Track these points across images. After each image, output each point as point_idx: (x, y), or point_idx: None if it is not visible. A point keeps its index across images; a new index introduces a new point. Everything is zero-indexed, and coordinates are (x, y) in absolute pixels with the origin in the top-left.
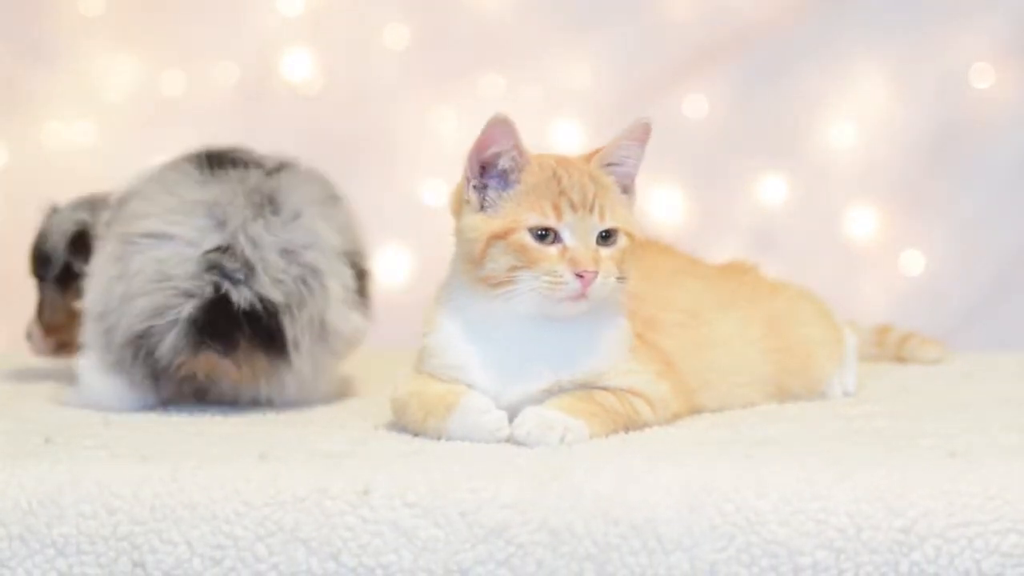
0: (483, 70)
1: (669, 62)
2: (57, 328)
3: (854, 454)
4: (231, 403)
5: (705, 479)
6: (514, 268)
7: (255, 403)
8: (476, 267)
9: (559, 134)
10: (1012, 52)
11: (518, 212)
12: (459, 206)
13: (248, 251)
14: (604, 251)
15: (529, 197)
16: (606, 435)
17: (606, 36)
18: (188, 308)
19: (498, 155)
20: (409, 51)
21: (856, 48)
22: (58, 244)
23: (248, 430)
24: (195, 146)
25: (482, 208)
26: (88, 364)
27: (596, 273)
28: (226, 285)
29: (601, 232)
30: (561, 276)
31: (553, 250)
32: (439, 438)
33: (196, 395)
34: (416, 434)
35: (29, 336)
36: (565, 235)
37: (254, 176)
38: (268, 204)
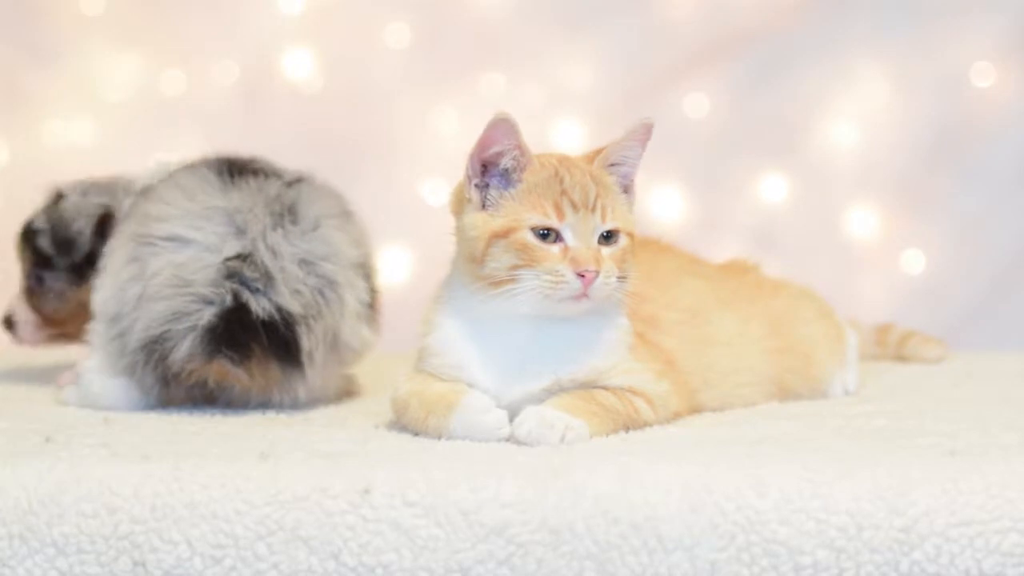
0: (484, 69)
1: (670, 61)
2: (62, 320)
3: (855, 453)
4: (237, 406)
5: (706, 478)
6: (515, 267)
7: (260, 406)
8: (477, 266)
9: (559, 133)
10: (1013, 51)
11: (520, 211)
12: (460, 205)
13: (267, 260)
14: (605, 251)
15: (531, 196)
16: (607, 434)
17: (607, 35)
18: (207, 315)
19: (500, 154)
20: (410, 50)
21: (857, 47)
22: (84, 228)
23: (248, 429)
24: (214, 152)
25: (483, 207)
26: (94, 366)
27: (597, 273)
28: (246, 294)
29: (602, 232)
30: (563, 276)
31: (555, 249)
32: (440, 437)
33: (204, 400)
34: (417, 433)
35: (9, 324)
36: (567, 235)
37: (273, 186)
38: (287, 214)
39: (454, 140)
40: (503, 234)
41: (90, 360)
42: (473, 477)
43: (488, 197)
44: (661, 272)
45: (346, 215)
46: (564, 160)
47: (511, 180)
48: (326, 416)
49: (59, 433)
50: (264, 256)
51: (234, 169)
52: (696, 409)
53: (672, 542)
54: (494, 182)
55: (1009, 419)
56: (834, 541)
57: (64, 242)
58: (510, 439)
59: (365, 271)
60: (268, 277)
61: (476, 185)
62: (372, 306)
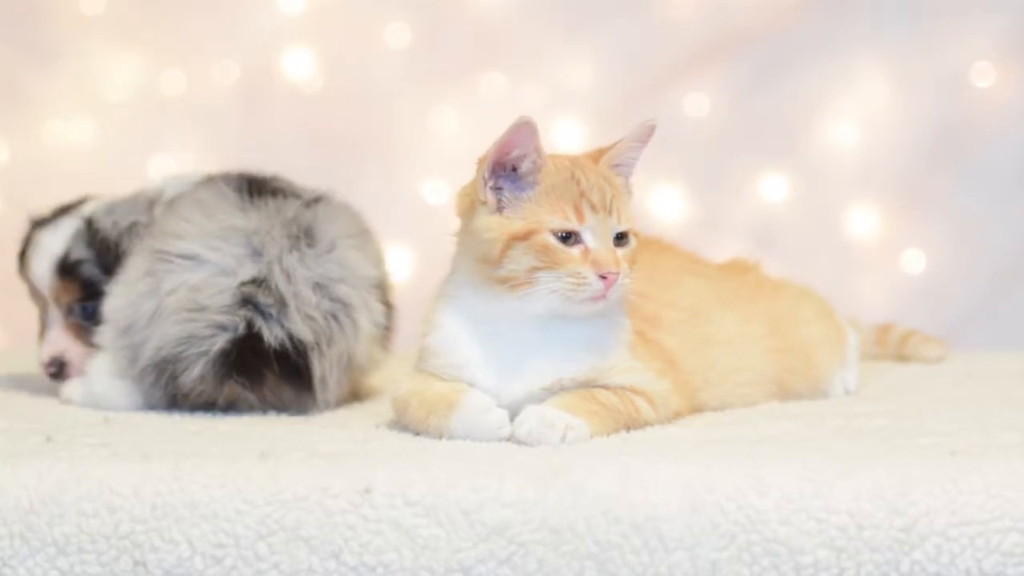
0: (484, 69)
1: (670, 61)
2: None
3: (855, 453)
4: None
5: (706, 478)
6: (535, 269)
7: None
8: (493, 267)
9: (560, 133)
10: (1013, 51)
11: (539, 214)
12: (469, 207)
13: (282, 285)
14: (619, 251)
15: (549, 198)
16: (607, 434)
17: (607, 35)
18: (220, 341)
19: (521, 157)
20: (410, 50)
21: (857, 47)
22: (129, 247)
23: (249, 429)
24: (236, 170)
25: (499, 209)
26: (102, 368)
27: (618, 274)
28: (259, 322)
29: (616, 233)
30: (585, 278)
31: (575, 251)
32: (441, 437)
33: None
34: (417, 433)
35: (59, 367)
36: (586, 236)
37: (292, 207)
38: (304, 236)
39: (454, 140)
40: (523, 237)
41: (97, 361)
42: (474, 477)
43: (502, 199)
44: (662, 271)
45: (363, 234)
46: (576, 161)
47: (527, 182)
48: (326, 416)
49: (59, 433)
50: (279, 280)
51: (253, 188)
52: (697, 408)
53: (673, 542)
54: (506, 184)
55: (1009, 419)
56: (835, 541)
57: (114, 264)
58: (511, 439)
59: (381, 290)
60: (282, 303)
61: (491, 187)
62: (387, 327)
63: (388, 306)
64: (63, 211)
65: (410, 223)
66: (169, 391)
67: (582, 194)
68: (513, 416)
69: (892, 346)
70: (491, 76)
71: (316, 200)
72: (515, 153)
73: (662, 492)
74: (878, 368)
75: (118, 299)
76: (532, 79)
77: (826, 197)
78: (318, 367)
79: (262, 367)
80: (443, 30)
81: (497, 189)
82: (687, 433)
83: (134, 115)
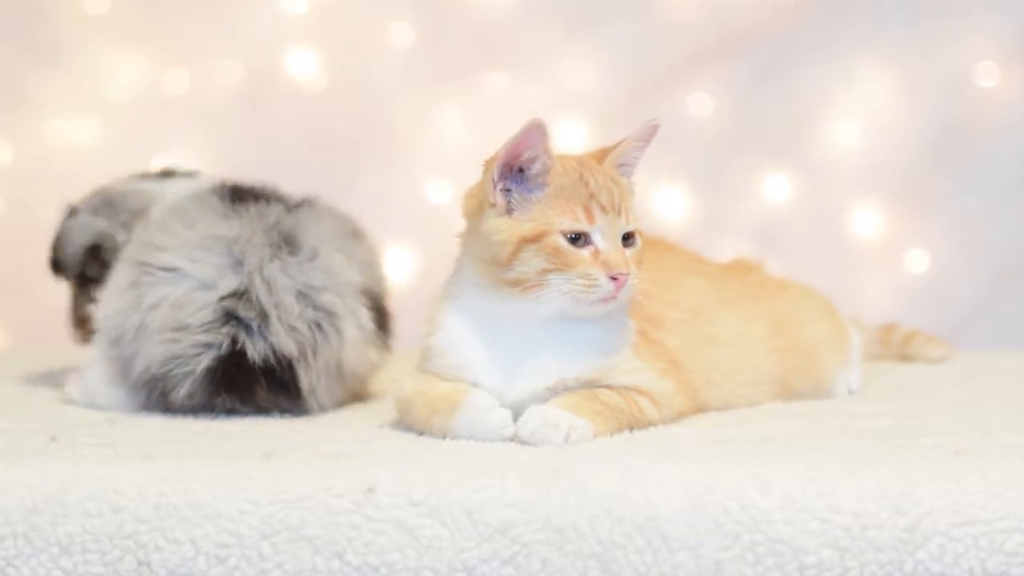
0: (487, 69)
1: (673, 60)
2: (83, 322)
3: (859, 453)
4: None
5: (710, 478)
6: (545, 271)
7: None
8: (502, 269)
9: (562, 133)
10: (1017, 51)
11: (549, 215)
12: (476, 209)
13: (263, 296)
14: (627, 252)
15: (559, 200)
16: (611, 434)
17: (610, 34)
18: (205, 360)
19: (532, 159)
20: (413, 50)
21: (860, 46)
22: (76, 253)
23: (252, 429)
24: (220, 179)
25: (508, 211)
26: (99, 377)
27: (628, 275)
28: (242, 337)
29: (624, 233)
30: (596, 279)
31: (586, 253)
32: (444, 437)
33: None
34: (421, 433)
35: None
36: (596, 238)
37: (274, 212)
38: (286, 244)
39: (457, 140)
40: (533, 239)
41: (95, 370)
42: (477, 477)
43: (511, 201)
44: (664, 271)
45: (351, 236)
46: (583, 162)
47: (536, 184)
48: (329, 416)
49: (63, 433)
50: (260, 291)
51: (236, 195)
52: (700, 408)
53: (676, 541)
54: (515, 186)
55: (1012, 419)
56: (838, 541)
57: (56, 263)
58: (514, 439)
59: (370, 295)
60: (264, 315)
61: (501, 189)
62: (380, 329)
63: (379, 309)
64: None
65: (412, 223)
66: (163, 405)
67: (591, 195)
68: (516, 416)
69: (895, 346)
70: (494, 76)
71: (299, 204)
72: (526, 155)
73: (665, 492)
74: (881, 368)
75: (107, 308)
76: (535, 79)
77: (829, 197)
78: (305, 379)
79: (250, 382)
80: (446, 30)
81: (505, 191)
82: (690, 433)
83: (137, 115)
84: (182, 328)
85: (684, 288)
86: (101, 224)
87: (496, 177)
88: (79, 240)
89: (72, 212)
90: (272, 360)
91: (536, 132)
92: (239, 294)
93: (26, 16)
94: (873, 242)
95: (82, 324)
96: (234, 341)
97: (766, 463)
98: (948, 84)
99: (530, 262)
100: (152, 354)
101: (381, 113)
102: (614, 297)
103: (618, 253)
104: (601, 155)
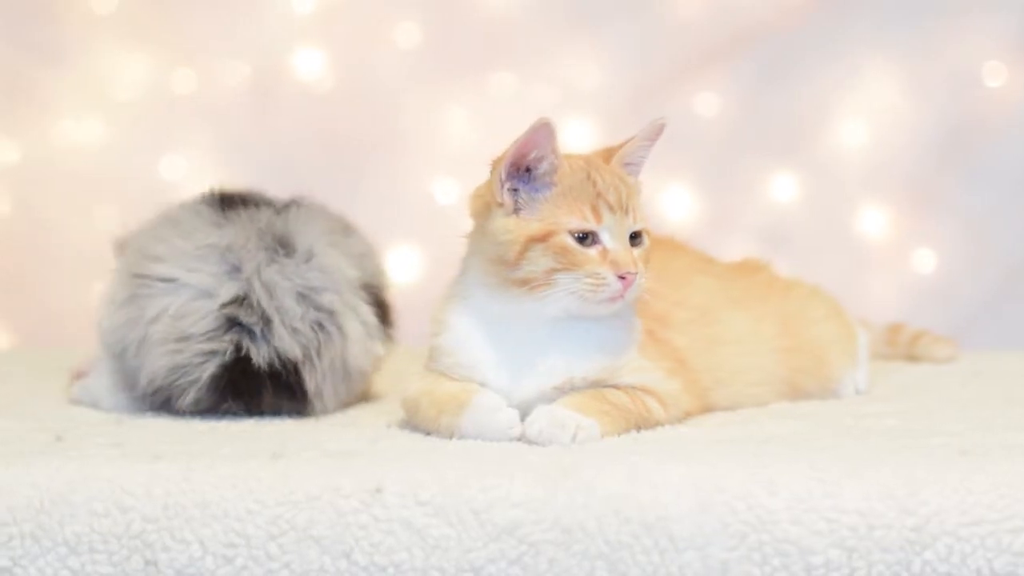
0: (494, 68)
1: (680, 60)
2: None
3: (865, 452)
4: None
5: (717, 478)
6: (553, 270)
7: None
8: (510, 269)
9: (569, 132)
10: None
11: (557, 215)
12: (483, 208)
13: (264, 301)
14: (635, 251)
15: (567, 199)
16: (618, 434)
17: (617, 34)
18: (210, 368)
19: (540, 159)
20: (420, 49)
21: (867, 46)
22: None
23: (260, 429)
24: (208, 188)
25: (515, 211)
26: (105, 385)
27: (636, 274)
28: (246, 343)
29: (631, 232)
30: (604, 278)
31: (593, 252)
32: (451, 436)
33: None
34: (428, 432)
35: None
36: (604, 237)
37: (264, 215)
38: (281, 247)
39: (464, 140)
40: (541, 238)
41: (99, 378)
42: (484, 476)
43: (519, 200)
44: (672, 270)
45: (344, 232)
46: (590, 161)
47: (543, 183)
48: (336, 416)
49: (70, 432)
50: (260, 296)
51: (226, 202)
52: (707, 408)
53: (683, 541)
54: (522, 186)
55: (1019, 419)
56: (845, 540)
57: None
58: (521, 438)
59: (370, 290)
60: (266, 320)
61: (508, 189)
62: (383, 322)
63: (380, 302)
64: None
65: (419, 223)
66: (170, 412)
67: (599, 194)
68: (524, 416)
69: (902, 346)
70: (500, 76)
71: (288, 205)
72: (533, 155)
73: (672, 492)
74: (888, 368)
75: (107, 322)
76: (541, 78)
77: (836, 197)
78: (311, 380)
79: (256, 388)
80: (453, 30)
81: (513, 191)
82: (697, 433)
83: (144, 114)
84: (185, 338)
85: (691, 288)
86: None
87: (503, 177)
88: None
89: None
90: (277, 364)
91: (543, 131)
92: (239, 300)
93: (32, 16)
94: (880, 242)
95: None
96: (238, 348)
97: (773, 463)
98: (955, 84)
99: (538, 261)
100: (156, 366)
101: (388, 113)
102: (622, 296)
103: (626, 252)
104: (607, 154)
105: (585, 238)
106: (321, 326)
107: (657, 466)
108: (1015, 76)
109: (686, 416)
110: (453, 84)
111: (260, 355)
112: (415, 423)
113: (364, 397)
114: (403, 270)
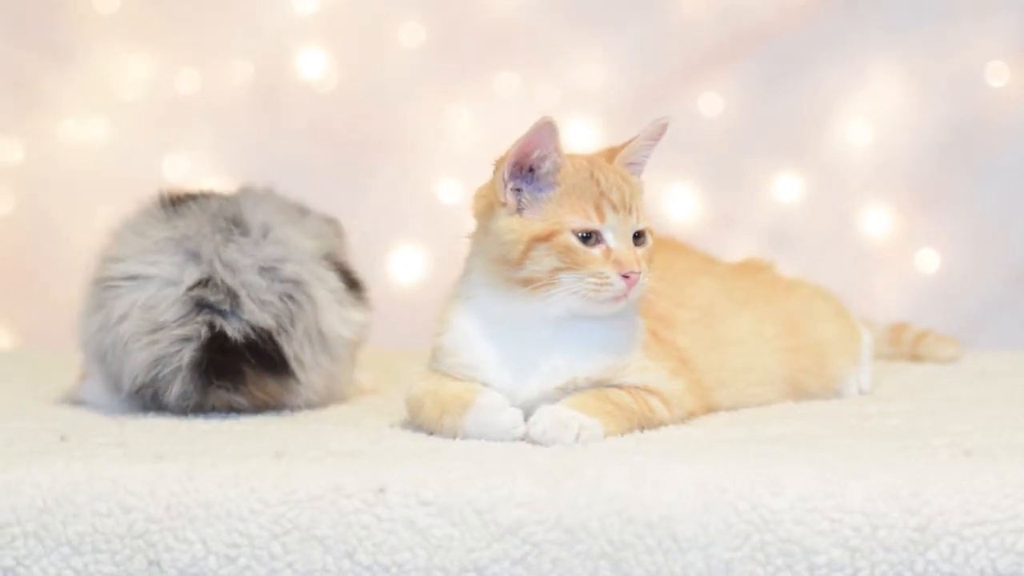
0: (498, 68)
1: (684, 60)
2: None
3: (869, 452)
4: None
5: (720, 478)
6: (557, 270)
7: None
8: (513, 269)
9: (573, 133)
10: None
11: (560, 214)
12: (486, 208)
13: (228, 279)
14: (638, 250)
15: (570, 199)
16: (621, 434)
17: (621, 34)
18: (188, 353)
19: (543, 158)
20: (424, 49)
21: (871, 46)
22: None
23: (263, 428)
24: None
25: (518, 211)
26: (98, 388)
27: (640, 274)
28: (219, 321)
29: (634, 232)
30: (608, 277)
31: (597, 251)
32: (454, 436)
33: None
34: (431, 432)
35: None
36: (607, 236)
37: (214, 203)
38: (235, 227)
39: (468, 140)
40: (544, 238)
41: (93, 383)
42: (487, 476)
43: (522, 200)
44: (675, 271)
45: (297, 211)
46: (593, 160)
47: (546, 183)
48: (340, 415)
49: (73, 432)
50: (224, 275)
51: (173, 199)
52: (710, 408)
53: (687, 541)
54: (525, 185)
55: (1022, 418)
56: (849, 540)
57: None
58: (525, 438)
59: (332, 259)
60: (233, 296)
61: (511, 188)
62: (353, 288)
63: (345, 271)
64: None
65: (423, 223)
66: (159, 408)
67: (602, 194)
68: (527, 416)
69: (906, 346)
70: (505, 76)
71: (236, 193)
72: (536, 154)
73: (676, 492)
74: (892, 368)
75: (82, 335)
76: (545, 79)
77: (840, 197)
78: (288, 348)
79: (238, 364)
80: (457, 30)
81: (516, 190)
82: (701, 433)
83: (148, 114)
84: (158, 328)
85: (695, 288)
86: None
87: (506, 176)
88: None
89: None
90: (253, 335)
91: (546, 131)
92: (204, 282)
93: (37, 16)
94: (884, 242)
95: None
96: (211, 327)
97: (776, 463)
98: (959, 84)
99: (541, 261)
100: (136, 362)
101: (391, 113)
102: (625, 295)
103: (629, 251)
104: (610, 154)
105: (588, 237)
106: (290, 297)
107: (660, 466)
108: (1018, 76)
109: (689, 416)
110: (457, 84)
111: (234, 329)
112: (418, 423)
113: (352, 368)
114: (406, 270)
